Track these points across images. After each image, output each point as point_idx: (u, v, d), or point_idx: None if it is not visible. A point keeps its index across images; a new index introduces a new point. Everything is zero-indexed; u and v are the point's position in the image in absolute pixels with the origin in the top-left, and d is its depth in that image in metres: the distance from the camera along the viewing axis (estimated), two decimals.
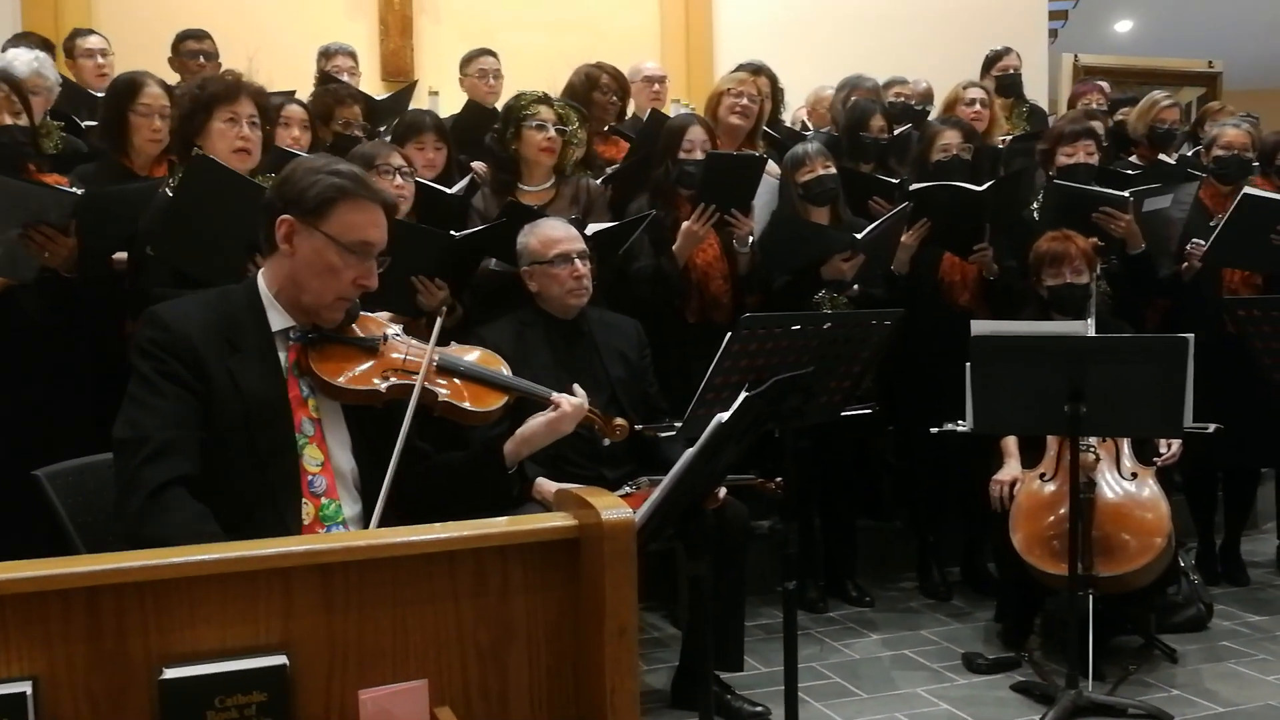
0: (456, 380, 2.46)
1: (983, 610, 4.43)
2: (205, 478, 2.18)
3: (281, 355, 2.32)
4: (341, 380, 2.31)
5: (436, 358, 2.42)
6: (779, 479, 3.19)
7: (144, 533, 2.08)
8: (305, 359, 2.33)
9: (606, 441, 2.83)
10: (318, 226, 2.29)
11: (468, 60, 5.97)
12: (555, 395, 2.54)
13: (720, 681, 3.54)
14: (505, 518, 1.76)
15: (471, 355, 2.57)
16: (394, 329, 2.51)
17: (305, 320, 2.35)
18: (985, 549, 4.65)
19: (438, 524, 1.70)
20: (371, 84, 7.01)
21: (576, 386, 2.62)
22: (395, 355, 2.41)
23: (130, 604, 1.50)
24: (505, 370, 2.58)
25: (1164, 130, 5.73)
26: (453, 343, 2.70)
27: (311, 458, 2.30)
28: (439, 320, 2.47)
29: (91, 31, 5.74)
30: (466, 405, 2.44)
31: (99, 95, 4.98)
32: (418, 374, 2.34)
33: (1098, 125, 5.27)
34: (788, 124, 6.14)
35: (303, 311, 2.34)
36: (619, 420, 2.78)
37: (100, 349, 3.69)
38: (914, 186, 4.47)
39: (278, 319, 2.34)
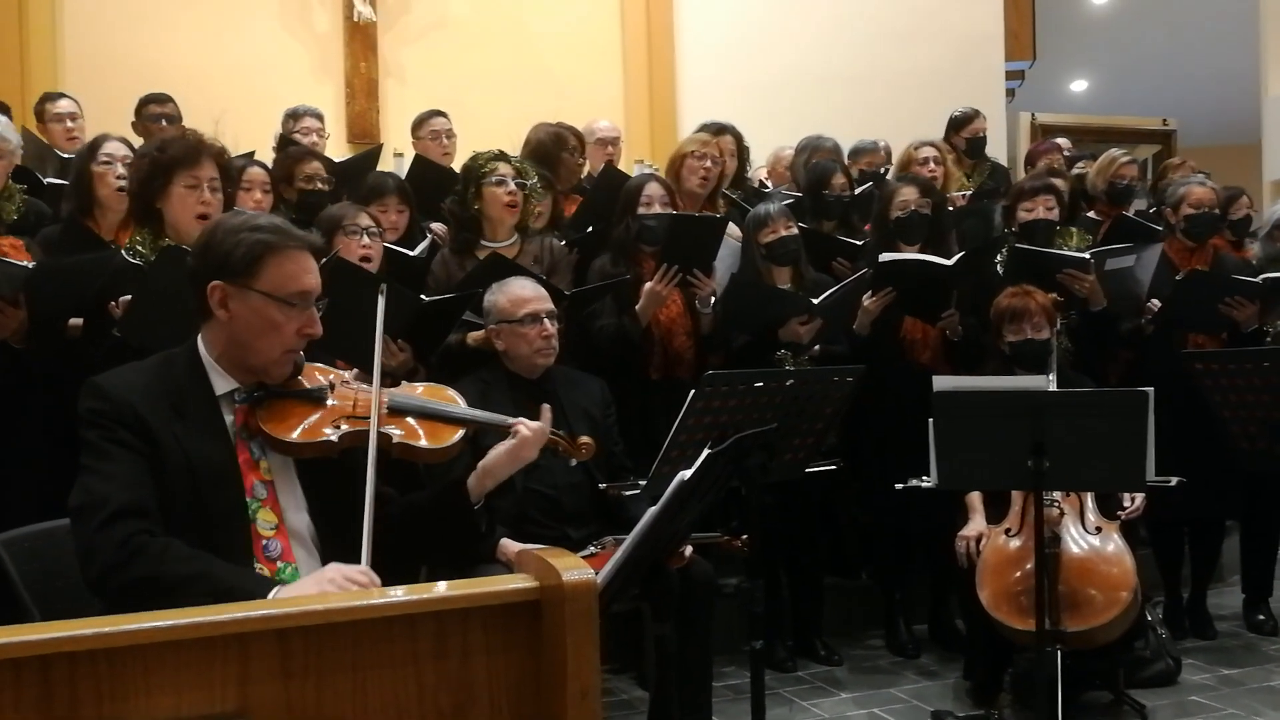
0: (410, 420, 2.42)
1: (951, 667, 4.42)
2: None
3: (228, 419, 2.29)
4: (293, 435, 2.28)
5: (386, 399, 2.39)
6: (744, 536, 3.18)
7: (127, 578, 2.04)
8: (253, 419, 2.29)
9: (574, 462, 2.79)
10: (251, 286, 2.25)
11: (419, 123, 6.01)
12: (513, 421, 2.50)
13: None
14: (466, 579, 1.74)
15: (418, 390, 2.53)
16: (344, 375, 2.47)
17: (250, 380, 2.32)
18: (952, 605, 4.65)
19: (397, 587, 1.68)
20: (338, 147, 7.04)
21: (545, 407, 2.57)
22: (344, 402, 2.37)
23: (83, 672, 1.47)
24: (460, 403, 2.54)
25: (1123, 186, 5.83)
26: (403, 381, 2.66)
27: (265, 521, 2.27)
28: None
29: (62, 95, 5.76)
30: (423, 444, 2.40)
31: (66, 156, 5.00)
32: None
33: (1059, 182, 5.35)
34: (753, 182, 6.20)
35: (248, 371, 2.31)
36: (584, 439, 2.73)
37: (54, 414, 3.62)
38: (884, 257, 4.51)
39: (221, 383, 2.30)
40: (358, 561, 2.16)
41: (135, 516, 2.11)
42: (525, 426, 2.49)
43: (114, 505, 2.09)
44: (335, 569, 2.12)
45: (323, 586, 2.07)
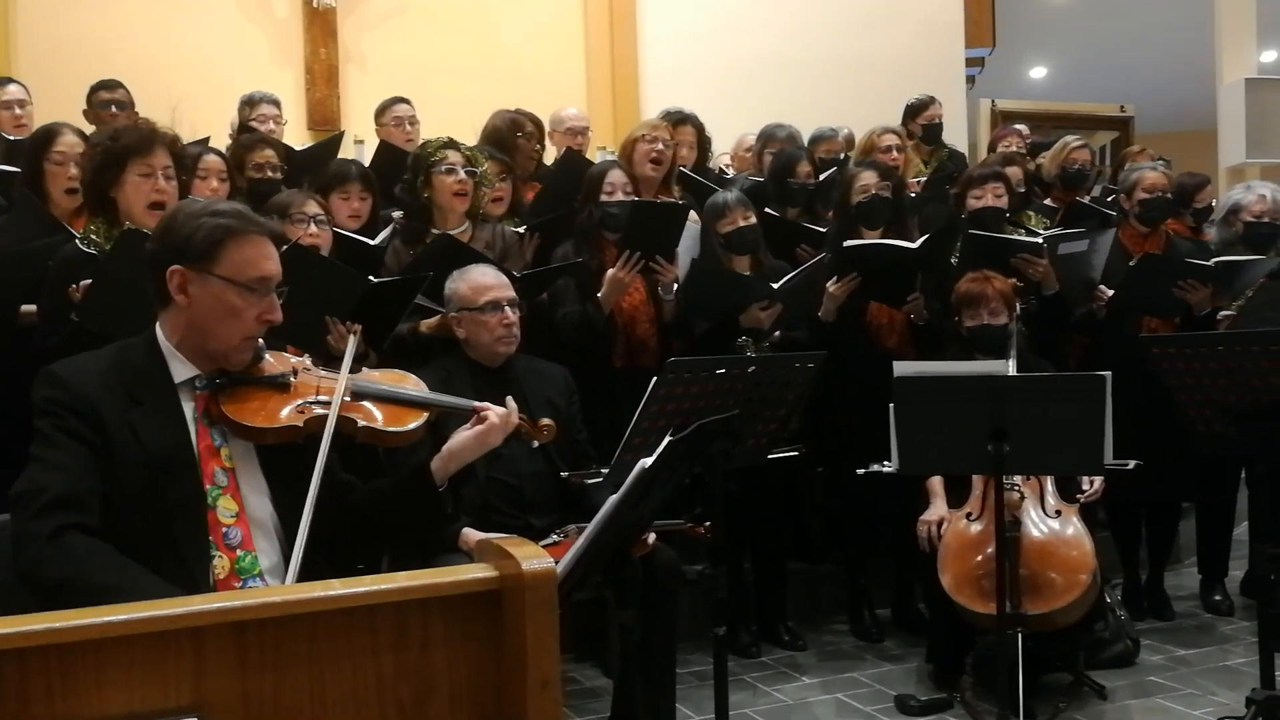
0: (371, 404, 2.42)
1: (914, 652, 4.44)
2: (108, 535, 2.11)
3: (187, 406, 2.28)
4: (257, 421, 2.27)
5: (350, 385, 2.39)
6: (708, 523, 3.18)
7: (47, 576, 2.02)
8: (216, 406, 2.28)
9: (535, 444, 2.81)
10: (211, 271, 2.24)
11: (383, 109, 5.97)
12: (479, 405, 2.49)
13: None
14: (426, 569, 1.73)
15: (376, 374, 2.53)
16: (305, 362, 2.47)
17: (210, 366, 2.30)
18: (916, 590, 4.67)
19: (357, 577, 1.67)
20: (298, 133, 6.98)
21: (509, 399, 2.57)
22: (308, 388, 2.37)
23: (33, 668, 1.44)
24: (421, 388, 2.55)
25: (1075, 171, 5.89)
26: (364, 368, 2.65)
27: (225, 509, 2.25)
28: (351, 346, 2.45)
29: (10, 80, 5.67)
30: (387, 428, 2.40)
31: (12, 139, 4.93)
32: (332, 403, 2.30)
33: (1015, 170, 5.39)
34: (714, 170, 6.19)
35: (208, 358, 2.30)
36: (545, 421, 2.74)
37: (4, 403, 3.56)
38: (848, 243, 4.51)
39: (180, 369, 2.29)
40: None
41: (71, 508, 2.08)
42: (494, 413, 2.48)
43: (51, 495, 2.07)
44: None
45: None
